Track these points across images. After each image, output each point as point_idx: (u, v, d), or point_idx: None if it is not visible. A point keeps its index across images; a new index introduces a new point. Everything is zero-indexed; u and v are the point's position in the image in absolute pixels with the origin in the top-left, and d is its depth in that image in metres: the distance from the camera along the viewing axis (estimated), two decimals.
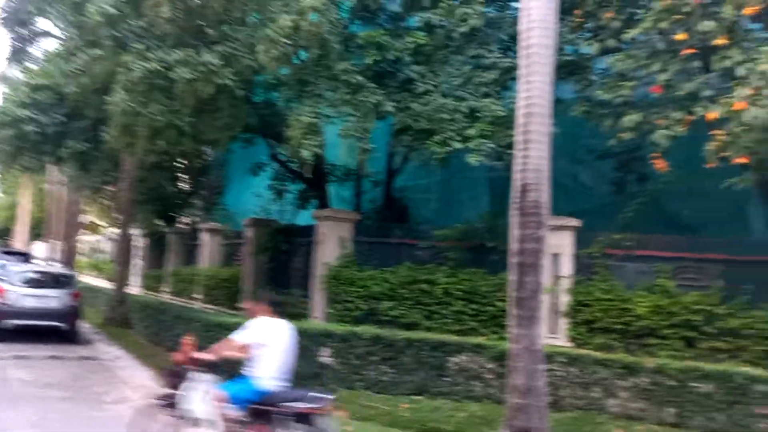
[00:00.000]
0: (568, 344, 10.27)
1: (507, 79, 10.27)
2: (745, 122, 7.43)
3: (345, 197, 15.80)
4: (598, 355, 8.93)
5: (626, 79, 9.51)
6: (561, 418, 8.16)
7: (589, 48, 9.93)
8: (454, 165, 13.00)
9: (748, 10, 7.98)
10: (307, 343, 9.77)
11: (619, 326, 10.01)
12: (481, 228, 11.21)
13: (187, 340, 10.91)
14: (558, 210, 13.96)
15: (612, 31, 9.77)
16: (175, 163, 24.01)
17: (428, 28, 10.75)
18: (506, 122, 9.78)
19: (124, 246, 18.26)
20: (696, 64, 8.91)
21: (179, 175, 25.50)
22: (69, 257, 28.68)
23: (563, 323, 10.47)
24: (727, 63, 8.28)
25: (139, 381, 10.75)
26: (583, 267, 10.71)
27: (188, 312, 12.73)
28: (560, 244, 10.67)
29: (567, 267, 10.62)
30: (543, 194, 7.41)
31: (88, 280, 32.60)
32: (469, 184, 15.31)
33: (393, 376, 9.45)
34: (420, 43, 10.51)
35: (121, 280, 17.85)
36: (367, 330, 9.66)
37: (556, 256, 10.69)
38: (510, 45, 10.56)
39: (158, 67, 9.87)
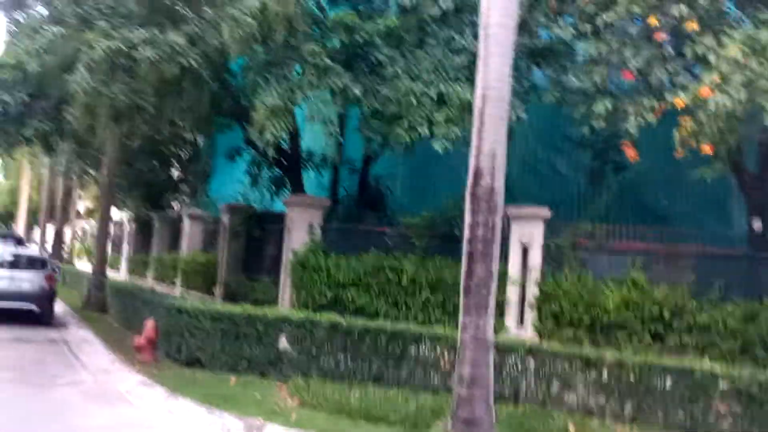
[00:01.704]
0: (535, 336, 10.05)
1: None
2: (709, 110, 7.16)
3: (324, 184, 15.57)
4: (558, 347, 8.71)
5: (599, 65, 9.23)
6: (514, 412, 7.96)
7: (564, 33, 9.62)
8: (433, 152, 12.77)
9: None
10: (266, 329, 9.65)
11: (587, 319, 9.77)
12: (451, 216, 10.97)
13: (149, 325, 10.83)
14: (536, 199, 13.82)
15: (587, 15, 9.48)
16: (166, 149, 23.95)
17: (401, 10, 10.48)
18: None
19: (102, 230, 18.12)
20: (669, 50, 8.63)
21: (171, 161, 25.45)
22: (58, 242, 28.63)
23: (531, 315, 10.24)
24: (699, 49, 8.01)
25: (100, 365, 10.61)
26: (553, 258, 10.45)
27: (155, 297, 12.58)
28: (530, 234, 10.43)
29: (536, 258, 10.37)
30: (497, 180, 7.17)
31: (80, 265, 32.59)
32: (448, 171, 15.05)
33: (350, 364, 9.27)
34: (391, 26, 10.24)
35: (100, 264, 17.70)
36: (325, 317, 9.47)
37: (525, 247, 10.45)
38: None
39: (121, 46, 9.66)
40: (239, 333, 9.64)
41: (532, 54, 10.07)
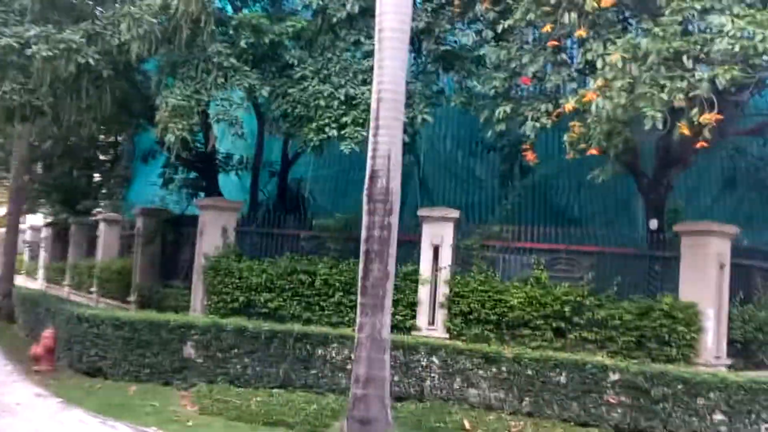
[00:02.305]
0: (446, 335, 10.22)
1: None
2: (593, 114, 7.48)
3: (245, 187, 15.37)
4: (460, 345, 8.90)
5: (500, 71, 9.49)
6: (416, 409, 8.07)
7: (467, 39, 9.86)
8: (357, 154, 12.81)
9: (605, 2, 8.01)
10: (169, 336, 9.43)
11: (494, 317, 10.02)
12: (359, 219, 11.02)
13: (47, 333, 10.41)
14: (455, 201, 14.13)
15: (488, 22, 9.75)
16: (86, 152, 23.08)
17: (311, 12, 10.49)
18: None
19: (10, 237, 17.29)
20: (563, 56, 8.97)
21: (92, 164, 24.52)
22: None
23: (441, 314, 10.41)
24: (589, 56, 8.34)
25: None
26: (463, 258, 10.68)
27: (60, 305, 12.09)
28: (440, 235, 10.59)
29: (446, 258, 10.54)
30: (393, 181, 7.28)
31: None
32: None
33: (257, 369, 9.17)
34: (299, 27, 10.23)
35: (8, 272, 16.88)
36: (231, 322, 9.34)
37: (436, 247, 10.62)
38: None
39: (12, 43, 9.26)
40: (141, 340, 9.38)
41: (440, 59, 10.26)
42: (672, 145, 10.99)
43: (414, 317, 10.51)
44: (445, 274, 10.46)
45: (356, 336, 7.17)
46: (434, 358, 8.86)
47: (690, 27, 8.10)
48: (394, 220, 7.27)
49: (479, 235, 10.66)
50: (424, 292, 10.51)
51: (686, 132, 7.40)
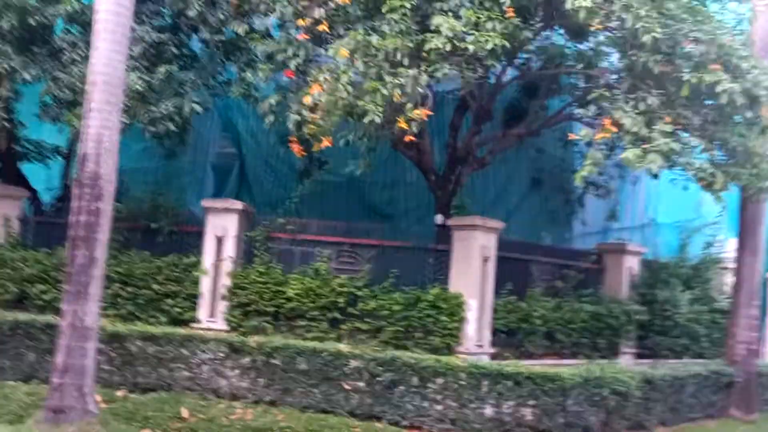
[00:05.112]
0: (225, 327, 10.19)
1: (157, 53, 9.96)
2: (308, 106, 7.66)
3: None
4: (207, 335, 8.91)
5: (269, 63, 9.56)
6: (145, 400, 7.98)
7: (240, 30, 9.88)
8: (179, 148, 12.53)
9: None
10: None
11: (272, 309, 10.07)
12: (147, 208, 10.85)
13: None
14: (276, 195, 14.08)
15: (260, 13, 9.82)
16: None
17: None
18: (151, 98, 9.52)
19: None
20: (321, 49, 9.14)
21: None
22: None
23: (222, 306, 10.36)
24: (330, 51, 8.52)
25: None
26: (249, 251, 10.68)
27: None
28: (224, 227, 10.55)
29: (229, 249, 10.50)
30: (103, 166, 7.16)
31: None
32: (193, 167, 14.97)
33: (4, 361, 8.82)
34: (72, 10, 9.93)
35: None
36: None
37: (220, 239, 10.57)
38: (172, 22, 10.32)
39: None
40: None
41: (219, 49, 10.25)
42: (456, 143, 11.51)
43: (194, 309, 10.43)
44: (226, 266, 10.42)
45: (59, 324, 7.01)
46: (184, 350, 8.80)
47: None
48: (105, 205, 7.15)
49: (264, 227, 10.70)
50: (205, 284, 10.43)
51: (404, 126, 7.69)
